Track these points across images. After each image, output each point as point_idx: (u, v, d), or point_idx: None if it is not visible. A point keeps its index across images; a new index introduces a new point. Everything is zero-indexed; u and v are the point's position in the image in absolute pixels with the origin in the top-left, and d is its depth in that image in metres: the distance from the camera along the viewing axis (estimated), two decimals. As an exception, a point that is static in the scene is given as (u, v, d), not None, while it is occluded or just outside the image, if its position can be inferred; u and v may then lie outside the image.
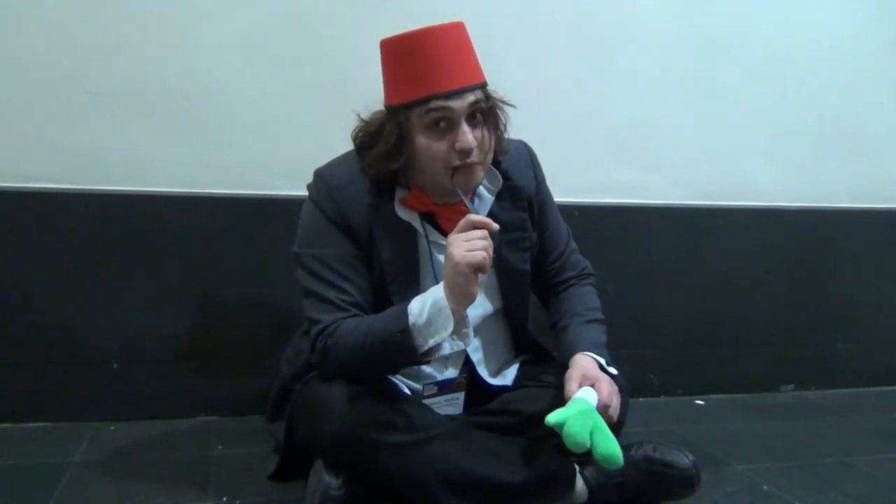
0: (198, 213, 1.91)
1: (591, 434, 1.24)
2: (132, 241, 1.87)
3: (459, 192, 1.34)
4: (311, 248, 1.40)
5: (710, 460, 1.75)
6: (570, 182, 2.03)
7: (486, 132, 1.34)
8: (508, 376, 1.55)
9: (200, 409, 1.94)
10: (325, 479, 1.31)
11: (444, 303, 1.25)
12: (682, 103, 2.25)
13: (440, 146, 1.31)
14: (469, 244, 1.23)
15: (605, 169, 2.21)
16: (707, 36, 2.24)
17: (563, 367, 1.42)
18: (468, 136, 1.30)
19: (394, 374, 1.44)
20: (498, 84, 1.38)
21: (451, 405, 1.47)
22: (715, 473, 1.67)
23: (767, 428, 2.07)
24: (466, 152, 1.31)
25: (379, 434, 1.29)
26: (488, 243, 1.24)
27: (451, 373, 1.49)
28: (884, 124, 2.46)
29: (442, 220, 1.41)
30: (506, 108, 1.39)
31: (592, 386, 1.33)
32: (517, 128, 1.43)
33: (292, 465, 1.50)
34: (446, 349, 1.31)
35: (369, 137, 1.38)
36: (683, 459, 1.46)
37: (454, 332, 1.27)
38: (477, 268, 1.23)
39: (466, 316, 1.29)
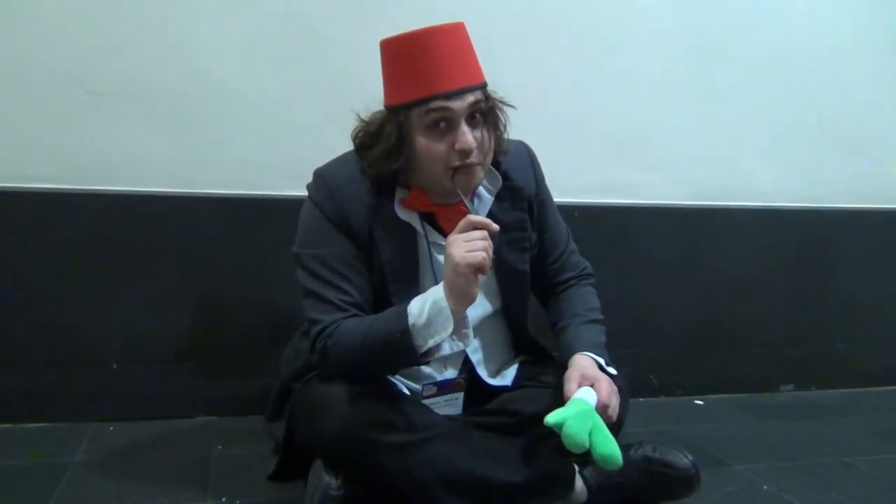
0: (198, 213, 1.91)
1: (590, 434, 1.24)
2: (132, 241, 1.87)
3: (459, 192, 1.34)
4: (311, 248, 1.40)
5: (709, 460, 1.75)
6: (570, 182, 2.03)
7: (485, 133, 1.34)
8: (508, 376, 1.55)
9: (200, 409, 1.94)
10: (324, 479, 1.31)
11: (444, 303, 1.25)
12: (682, 103, 2.25)
13: (440, 146, 1.31)
14: (469, 245, 1.23)
15: (605, 169, 2.21)
16: (707, 36, 2.24)
17: (563, 367, 1.42)
18: (468, 136, 1.30)
19: (393, 374, 1.44)
20: (498, 84, 1.38)
21: (450, 405, 1.47)
22: (715, 473, 1.67)
23: (767, 428, 2.07)
24: (466, 153, 1.31)
25: (379, 434, 1.29)
26: (488, 244, 1.24)
27: (451, 373, 1.49)
28: (884, 124, 2.46)
29: (442, 220, 1.41)
30: (506, 108, 1.39)
31: (592, 386, 1.33)
32: (517, 128, 1.44)
33: (292, 465, 1.50)
34: (446, 349, 1.31)
35: (369, 137, 1.38)
36: (683, 459, 1.46)
37: (454, 332, 1.27)
38: (477, 268, 1.23)
39: (466, 316, 1.29)
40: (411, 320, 1.27)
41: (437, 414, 1.41)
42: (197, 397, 1.93)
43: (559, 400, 1.32)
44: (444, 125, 1.30)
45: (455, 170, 1.32)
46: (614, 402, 1.34)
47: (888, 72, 2.43)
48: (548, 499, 1.39)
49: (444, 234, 1.37)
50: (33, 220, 1.81)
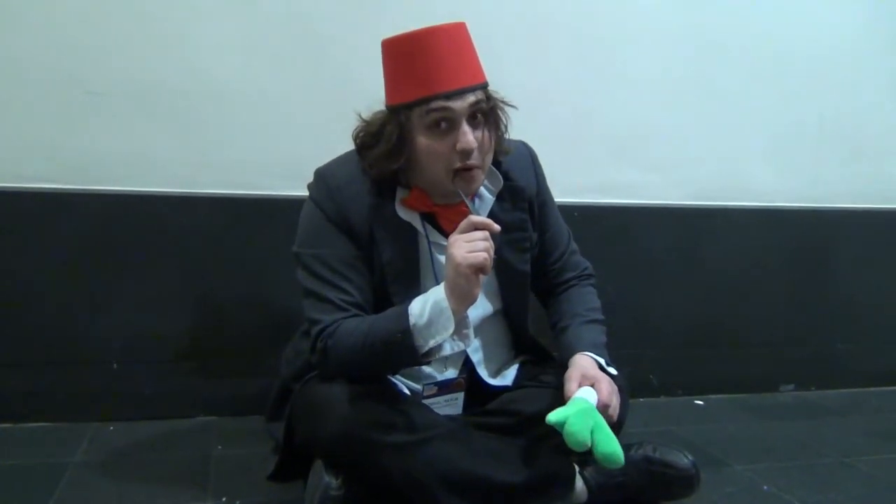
0: (198, 213, 1.91)
1: (591, 433, 1.24)
2: (132, 241, 1.87)
3: (461, 192, 1.34)
4: (312, 248, 1.39)
5: (709, 460, 1.75)
6: (570, 182, 2.03)
7: (486, 133, 1.34)
8: (508, 376, 1.55)
9: (200, 409, 1.94)
10: (324, 479, 1.31)
11: (445, 303, 1.25)
12: (682, 103, 2.25)
13: (441, 146, 1.31)
14: (470, 245, 1.23)
15: (605, 169, 2.21)
16: (707, 36, 2.25)
17: (563, 367, 1.41)
18: (469, 136, 1.30)
19: (394, 374, 1.44)
20: (498, 84, 1.38)
21: (450, 405, 1.47)
22: (715, 473, 1.67)
23: (767, 428, 2.07)
24: (467, 153, 1.31)
25: (379, 434, 1.29)
26: (489, 244, 1.24)
27: (451, 373, 1.49)
28: (884, 124, 2.46)
29: (442, 220, 1.41)
30: (506, 108, 1.39)
31: (592, 386, 1.33)
32: (517, 128, 1.43)
33: (292, 465, 1.50)
34: (447, 350, 1.30)
35: (370, 137, 1.38)
36: (683, 459, 1.46)
37: (455, 332, 1.27)
38: (478, 269, 1.23)
39: (467, 317, 1.29)
40: (412, 320, 1.27)
41: (438, 414, 1.41)
42: (197, 397, 1.93)
43: (559, 400, 1.32)
44: (445, 125, 1.30)
45: (456, 172, 1.32)
46: (615, 402, 1.34)
47: (888, 72, 2.43)
48: (548, 499, 1.39)
49: (445, 235, 1.37)
50: (33, 220, 1.81)
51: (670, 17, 2.21)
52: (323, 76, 1.95)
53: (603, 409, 1.30)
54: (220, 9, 1.89)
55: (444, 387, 1.46)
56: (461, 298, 1.25)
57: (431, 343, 1.27)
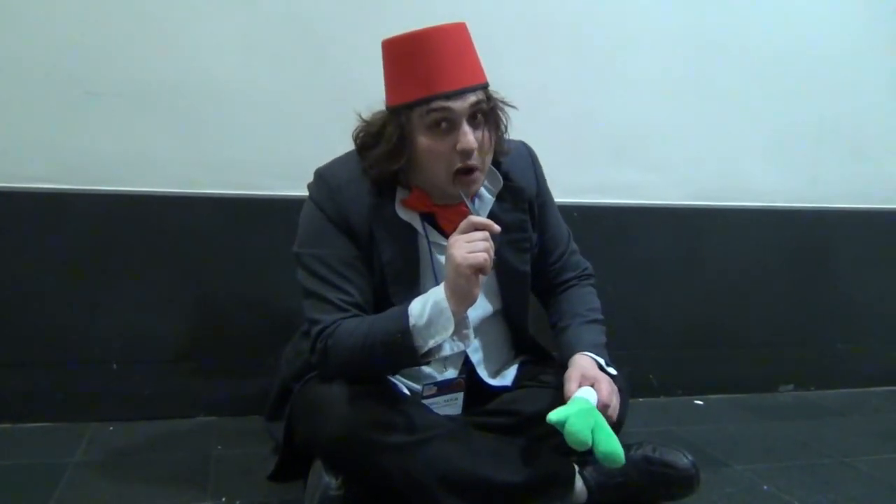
0: (198, 213, 1.91)
1: (592, 432, 1.24)
2: (132, 241, 1.87)
3: (461, 193, 1.34)
4: (312, 248, 1.39)
5: (709, 460, 1.75)
6: (569, 182, 2.03)
7: (486, 133, 1.34)
8: (508, 377, 1.55)
9: (200, 409, 1.94)
10: (324, 480, 1.31)
11: (445, 304, 1.25)
12: (681, 103, 2.25)
13: (441, 147, 1.31)
14: (470, 245, 1.23)
15: (605, 169, 2.21)
16: (707, 36, 2.25)
17: (563, 367, 1.42)
18: (469, 136, 1.30)
19: (394, 374, 1.44)
20: (498, 84, 1.38)
21: (450, 405, 1.47)
22: (714, 474, 1.67)
23: (767, 428, 2.07)
24: (468, 153, 1.31)
25: (379, 435, 1.29)
26: (489, 245, 1.24)
27: (451, 373, 1.49)
28: (884, 124, 2.46)
29: (442, 220, 1.41)
30: (506, 108, 1.39)
31: (592, 386, 1.33)
32: (517, 128, 1.43)
33: (292, 465, 1.50)
34: (447, 350, 1.30)
35: (371, 138, 1.38)
36: (683, 460, 1.46)
37: (455, 332, 1.27)
38: (478, 269, 1.23)
39: (467, 317, 1.29)
40: (412, 321, 1.27)
41: (438, 414, 1.41)
42: (196, 397, 1.93)
43: (559, 400, 1.32)
44: (446, 125, 1.30)
45: (456, 174, 1.32)
46: (614, 402, 1.34)
47: (888, 72, 2.43)
48: (548, 499, 1.39)
49: (445, 235, 1.37)
50: (33, 220, 1.81)
51: (670, 18, 2.21)
52: (323, 76, 1.95)
53: (603, 409, 1.30)
54: (220, 9, 1.89)
55: (444, 387, 1.46)
56: (461, 299, 1.25)
57: (431, 343, 1.27)
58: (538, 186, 1.54)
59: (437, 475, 1.30)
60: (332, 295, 1.36)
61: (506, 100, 1.38)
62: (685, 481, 1.45)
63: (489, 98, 1.34)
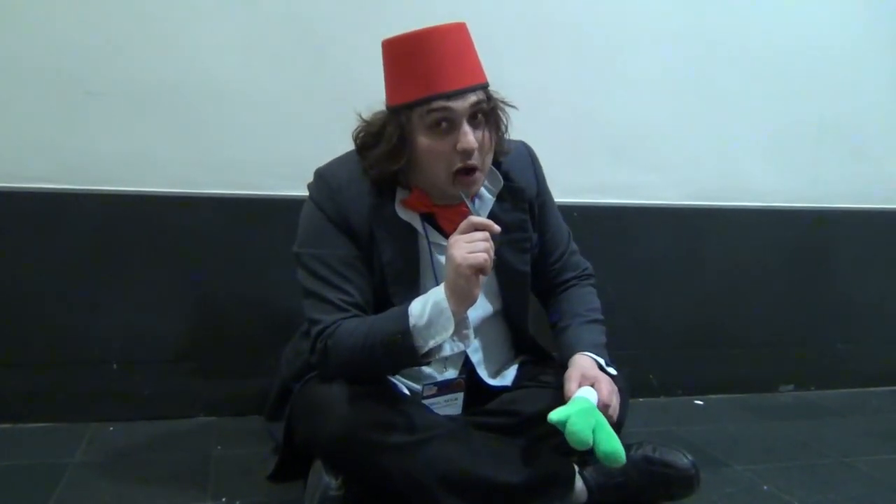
0: (198, 213, 1.91)
1: (593, 432, 1.24)
2: (132, 241, 1.87)
3: (461, 193, 1.34)
4: (312, 249, 1.39)
5: (709, 460, 1.75)
6: (569, 182, 2.03)
7: (487, 133, 1.34)
8: (508, 377, 1.55)
9: (199, 409, 1.94)
10: (324, 480, 1.31)
11: (445, 304, 1.25)
12: (681, 103, 2.25)
13: (441, 147, 1.31)
14: (471, 246, 1.23)
15: (605, 169, 2.21)
16: (707, 36, 2.24)
17: (563, 367, 1.42)
18: (469, 136, 1.30)
19: (394, 374, 1.44)
20: (498, 84, 1.38)
21: (450, 405, 1.47)
22: (714, 473, 1.67)
23: (767, 428, 2.06)
24: (468, 153, 1.31)
25: (379, 435, 1.29)
26: (490, 245, 1.24)
27: (451, 373, 1.49)
28: (884, 124, 2.46)
29: (443, 220, 1.41)
30: (506, 108, 1.39)
31: (592, 385, 1.33)
32: (517, 128, 1.43)
33: (292, 466, 1.50)
34: (447, 350, 1.30)
35: (371, 138, 1.38)
36: (683, 460, 1.46)
37: (455, 333, 1.27)
38: (478, 269, 1.23)
39: (467, 317, 1.29)
40: (412, 321, 1.27)
41: (438, 414, 1.41)
42: (196, 397, 1.93)
43: (559, 400, 1.32)
44: (446, 125, 1.30)
45: (456, 174, 1.32)
46: (615, 402, 1.34)
47: (888, 72, 2.43)
48: (548, 499, 1.39)
49: (445, 235, 1.37)
50: (33, 220, 1.81)
51: (670, 18, 2.21)
52: (323, 76, 1.95)
53: (603, 409, 1.30)
54: (220, 9, 1.88)
55: (444, 387, 1.46)
56: (461, 299, 1.25)
57: (431, 344, 1.27)
58: (538, 186, 1.54)
59: (437, 475, 1.30)
60: (332, 295, 1.36)
61: (506, 100, 1.39)
62: (685, 481, 1.46)
63: (489, 98, 1.34)
